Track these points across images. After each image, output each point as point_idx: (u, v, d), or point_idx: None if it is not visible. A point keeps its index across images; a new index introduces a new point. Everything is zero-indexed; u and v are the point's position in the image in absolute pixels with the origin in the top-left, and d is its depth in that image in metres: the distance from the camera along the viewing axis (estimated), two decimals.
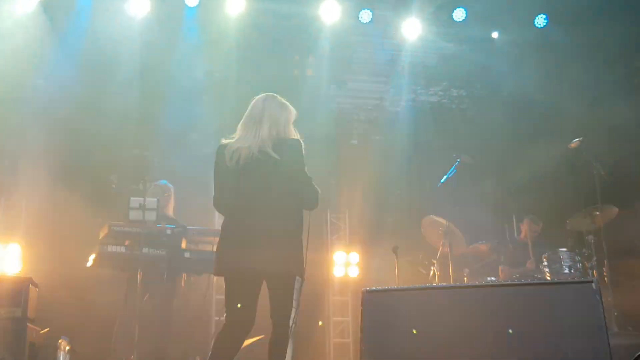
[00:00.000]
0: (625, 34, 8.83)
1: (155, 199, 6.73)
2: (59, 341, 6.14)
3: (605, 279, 7.43)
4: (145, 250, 6.48)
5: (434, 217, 8.14)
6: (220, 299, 8.48)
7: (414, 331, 2.66)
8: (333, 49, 9.55)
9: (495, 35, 9.80)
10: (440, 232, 8.01)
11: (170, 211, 7.31)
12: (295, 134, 4.58)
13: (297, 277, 4.33)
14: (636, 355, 2.60)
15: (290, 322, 4.14)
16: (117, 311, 6.76)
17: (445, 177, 7.63)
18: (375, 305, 2.78)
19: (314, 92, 9.81)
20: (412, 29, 9.37)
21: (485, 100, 10.31)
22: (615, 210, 7.81)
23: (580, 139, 7.54)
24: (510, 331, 2.54)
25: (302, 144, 4.51)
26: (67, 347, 6.11)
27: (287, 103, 4.70)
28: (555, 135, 8.79)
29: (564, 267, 7.67)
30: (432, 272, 8.11)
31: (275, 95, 4.71)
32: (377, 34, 9.80)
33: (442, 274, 8.13)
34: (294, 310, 4.34)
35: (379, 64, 10.24)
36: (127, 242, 6.61)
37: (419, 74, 10.16)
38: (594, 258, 7.69)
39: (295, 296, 4.31)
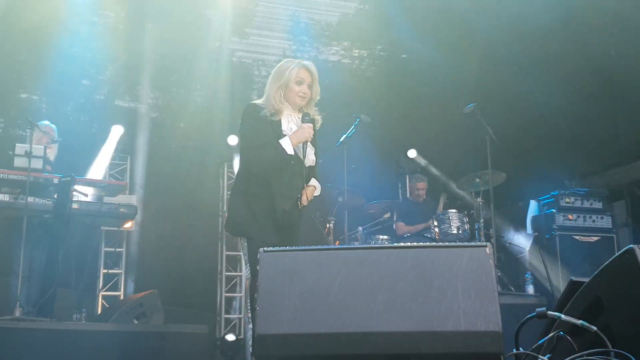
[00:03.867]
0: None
1: (43, 146, 6.44)
2: None
3: (492, 240, 7.72)
4: (30, 199, 6.20)
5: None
6: (108, 251, 8.32)
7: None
8: (235, 1, 9.36)
9: None
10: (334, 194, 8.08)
11: (52, 155, 6.95)
12: (275, 97, 4.47)
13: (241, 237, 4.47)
14: (525, 318, 2.68)
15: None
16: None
17: (344, 136, 7.65)
18: (272, 266, 2.74)
19: (214, 44, 9.60)
20: None
21: (385, 60, 10.37)
22: (504, 175, 8.10)
23: (474, 104, 7.71)
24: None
25: (249, 107, 4.49)
26: None
27: (278, 65, 4.60)
28: (451, 99, 8.97)
29: (452, 227, 7.94)
30: (326, 229, 8.19)
31: (287, 59, 4.67)
32: None
33: (337, 230, 8.24)
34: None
35: (281, 19, 10.10)
36: (11, 190, 6.30)
37: (321, 32, 10.10)
38: (482, 220, 7.97)
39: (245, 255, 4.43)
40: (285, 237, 4.43)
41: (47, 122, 7.05)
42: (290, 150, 4.35)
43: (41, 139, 6.71)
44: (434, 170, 9.90)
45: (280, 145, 4.35)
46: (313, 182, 4.60)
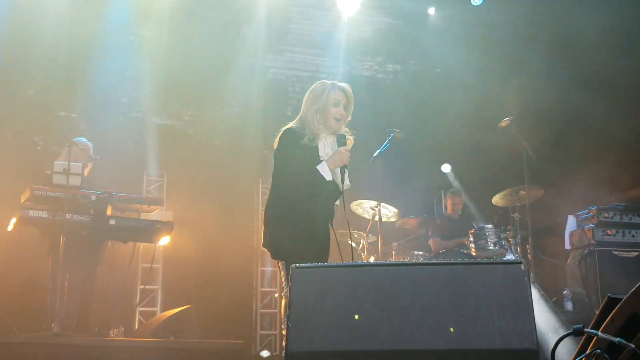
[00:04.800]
0: (559, 16, 8.96)
1: (80, 164, 6.54)
2: None
3: (529, 256, 7.62)
4: (68, 216, 6.29)
5: (359, 200, 8.12)
6: (145, 267, 8.39)
7: (356, 317, 2.63)
8: (270, 18, 9.44)
9: (431, 11, 9.86)
10: (369, 210, 8.05)
11: (86, 172, 7.04)
12: (313, 121, 4.45)
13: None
14: (562, 335, 2.63)
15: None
16: (38, 277, 6.57)
17: (377, 151, 7.64)
18: (304, 282, 2.73)
19: (249, 61, 9.69)
20: (349, 1, 9.32)
21: (419, 75, 10.36)
22: (541, 191, 8.01)
23: (510, 118, 7.65)
24: (452, 329, 2.53)
25: (287, 132, 4.45)
26: None
27: (311, 88, 4.59)
28: (486, 113, 8.91)
29: (489, 243, 7.84)
30: (361, 245, 8.17)
31: (320, 81, 4.63)
32: (314, 5, 9.72)
33: (371, 247, 8.21)
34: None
35: (316, 36, 10.16)
36: (50, 207, 6.39)
37: (354, 48, 10.13)
38: (519, 235, 7.87)
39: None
40: (322, 258, 4.43)
41: (83, 139, 7.16)
42: (328, 177, 4.34)
43: (78, 157, 6.80)
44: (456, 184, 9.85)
45: (318, 171, 4.33)
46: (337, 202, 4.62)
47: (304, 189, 4.35)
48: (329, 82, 4.57)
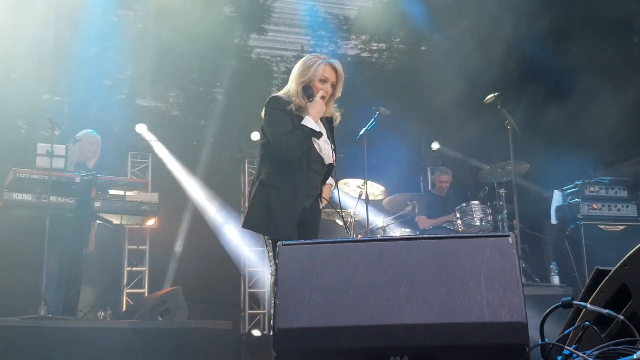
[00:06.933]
0: None
1: (64, 145, 6.49)
2: None
3: (515, 231, 7.64)
4: (53, 198, 6.24)
5: (346, 179, 8.10)
6: (131, 248, 8.36)
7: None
8: None
9: None
10: (355, 188, 8.03)
11: (91, 163, 7.06)
12: (297, 93, 4.38)
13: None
14: (550, 308, 2.63)
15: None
16: (24, 260, 6.53)
17: (363, 129, 7.61)
18: (291, 259, 2.71)
19: (233, 41, 9.62)
20: None
21: (404, 53, 10.33)
22: (527, 166, 8.02)
23: (496, 94, 7.63)
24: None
25: (273, 98, 4.39)
26: None
27: (303, 59, 4.51)
28: (472, 89, 8.89)
29: (475, 219, 7.86)
30: (348, 224, 8.15)
31: (314, 54, 4.55)
32: None
33: (358, 225, 8.20)
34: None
35: (299, 15, 10.09)
36: (34, 190, 6.34)
37: (339, 27, 10.08)
38: (505, 211, 7.89)
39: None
40: (305, 232, 4.41)
41: (91, 132, 7.13)
42: (315, 127, 4.29)
43: (88, 149, 6.83)
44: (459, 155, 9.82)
45: (305, 125, 4.29)
46: (329, 180, 4.59)
47: (296, 147, 4.28)
48: (322, 56, 4.50)
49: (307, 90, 4.34)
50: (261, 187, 4.37)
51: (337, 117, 4.59)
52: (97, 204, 6.62)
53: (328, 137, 4.45)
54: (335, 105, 4.58)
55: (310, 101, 4.32)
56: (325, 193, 4.54)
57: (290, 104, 4.36)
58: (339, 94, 4.52)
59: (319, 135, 4.33)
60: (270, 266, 4.34)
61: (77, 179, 6.53)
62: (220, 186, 9.32)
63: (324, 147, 4.40)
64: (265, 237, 4.41)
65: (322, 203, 4.51)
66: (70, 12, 8.62)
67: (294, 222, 4.31)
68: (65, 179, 6.47)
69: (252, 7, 9.59)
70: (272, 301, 4.61)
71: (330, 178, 4.60)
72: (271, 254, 4.34)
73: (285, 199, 4.31)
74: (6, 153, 7.83)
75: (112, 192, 6.99)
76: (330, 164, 4.48)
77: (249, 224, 4.41)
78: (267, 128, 4.37)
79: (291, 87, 4.44)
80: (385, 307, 2.66)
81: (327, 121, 4.51)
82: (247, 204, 5.24)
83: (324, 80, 4.41)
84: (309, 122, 4.29)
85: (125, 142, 8.91)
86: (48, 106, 8.93)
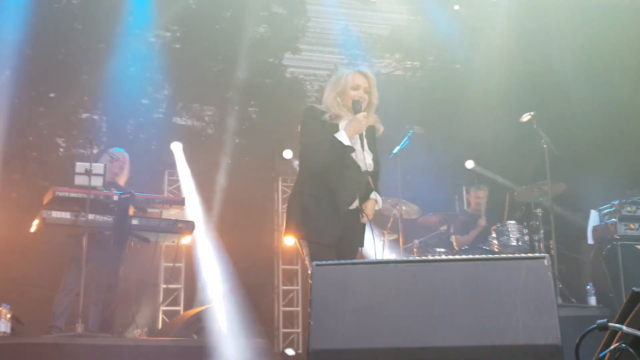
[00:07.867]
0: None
1: (103, 164, 6.59)
2: None
3: (552, 251, 7.55)
4: (91, 216, 6.33)
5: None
6: (167, 266, 8.43)
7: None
8: (288, 17, 9.46)
9: (456, 7, 9.83)
10: (389, 207, 8.02)
11: (122, 181, 7.17)
12: (333, 104, 4.49)
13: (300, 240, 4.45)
14: (585, 331, 2.60)
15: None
16: (61, 279, 6.62)
17: (397, 148, 7.61)
18: (324, 280, 2.73)
19: (267, 60, 9.70)
20: None
21: (438, 71, 10.31)
22: (563, 186, 7.94)
23: (532, 113, 7.58)
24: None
25: (309, 109, 4.56)
26: (8, 315, 5.95)
27: (337, 74, 4.64)
28: (507, 108, 8.84)
29: (511, 239, 7.78)
30: (382, 243, 8.13)
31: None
32: (331, 3, 9.73)
33: (392, 245, 8.18)
34: None
35: (333, 34, 10.16)
36: (72, 208, 6.44)
37: (372, 45, 10.11)
38: (542, 231, 7.81)
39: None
40: (345, 240, 4.43)
41: (120, 150, 7.23)
42: (346, 142, 4.32)
43: (115, 164, 6.94)
44: (498, 178, 9.71)
45: (336, 138, 4.33)
46: (373, 195, 4.59)
47: (323, 158, 4.36)
48: (351, 67, 4.63)
49: (356, 106, 4.43)
50: (297, 194, 4.45)
51: (380, 129, 4.65)
52: (134, 221, 6.69)
53: (369, 147, 4.49)
54: (377, 115, 4.62)
55: (355, 116, 4.38)
56: (369, 209, 4.56)
57: (325, 113, 4.45)
58: (375, 100, 4.59)
59: (350, 150, 4.37)
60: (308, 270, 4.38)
61: (116, 197, 6.62)
62: (255, 204, 9.37)
63: (362, 156, 4.43)
64: (302, 244, 4.42)
65: (363, 218, 4.53)
66: (108, 32, 8.78)
67: (332, 229, 4.32)
68: (103, 197, 6.56)
69: (286, 27, 9.67)
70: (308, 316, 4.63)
71: (376, 194, 4.60)
72: (308, 261, 4.34)
73: (321, 206, 4.35)
74: (45, 172, 7.97)
75: (150, 210, 7.08)
76: (367, 171, 4.50)
77: (286, 230, 4.50)
78: (301, 137, 4.46)
79: (326, 99, 4.55)
80: (419, 329, 2.66)
81: (369, 131, 4.55)
82: (281, 222, 5.30)
83: (355, 88, 4.50)
84: (342, 135, 4.34)
85: (161, 160, 9.02)
86: (87, 125, 9.08)
